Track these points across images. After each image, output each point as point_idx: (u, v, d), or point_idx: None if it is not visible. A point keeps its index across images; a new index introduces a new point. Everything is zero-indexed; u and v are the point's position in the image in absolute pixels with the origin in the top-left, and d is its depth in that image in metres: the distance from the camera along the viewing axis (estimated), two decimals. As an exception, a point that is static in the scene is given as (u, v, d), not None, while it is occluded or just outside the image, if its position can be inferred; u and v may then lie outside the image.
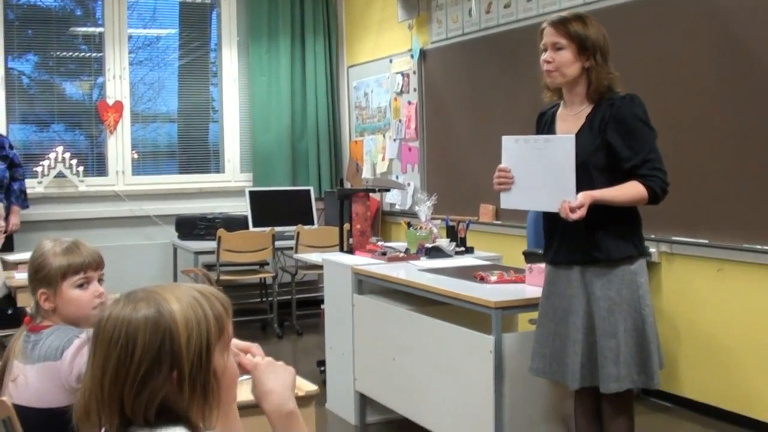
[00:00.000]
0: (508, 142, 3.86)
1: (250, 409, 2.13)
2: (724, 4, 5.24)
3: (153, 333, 1.70)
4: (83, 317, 2.79)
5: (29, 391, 2.68)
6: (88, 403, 1.72)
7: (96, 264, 2.85)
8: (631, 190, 3.61)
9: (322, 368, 5.99)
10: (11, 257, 6.49)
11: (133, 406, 1.69)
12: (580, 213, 3.53)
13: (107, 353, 1.69)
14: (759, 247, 5.08)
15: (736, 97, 5.19)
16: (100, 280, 2.86)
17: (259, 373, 1.96)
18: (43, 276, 2.77)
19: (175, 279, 8.24)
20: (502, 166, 3.85)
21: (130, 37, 9.09)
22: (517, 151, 3.82)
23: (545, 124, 3.94)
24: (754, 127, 5.09)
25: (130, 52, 9.06)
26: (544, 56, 3.74)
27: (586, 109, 3.75)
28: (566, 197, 3.57)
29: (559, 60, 3.70)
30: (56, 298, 2.77)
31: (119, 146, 8.94)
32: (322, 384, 5.77)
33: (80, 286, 2.79)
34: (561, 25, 3.70)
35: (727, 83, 5.24)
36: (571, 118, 3.80)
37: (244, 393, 2.08)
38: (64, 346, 2.67)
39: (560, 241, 3.79)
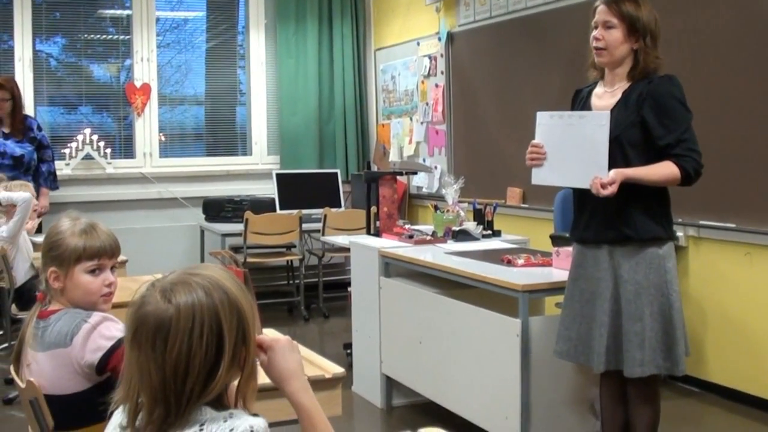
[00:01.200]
0: (542, 117, 3.86)
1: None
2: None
3: (230, 313, 1.73)
4: (89, 303, 2.76)
5: (43, 378, 2.67)
6: (148, 400, 1.72)
7: (112, 251, 2.81)
8: (664, 170, 3.60)
9: (349, 351, 6.00)
10: (39, 239, 6.52)
11: (219, 388, 1.72)
12: (612, 189, 3.52)
13: (190, 345, 1.68)
14: (788, 231, 5.06)
15: (764, 81, 5.15)
16: (113, 268, 2.82)
17: (280, 354, 1.95)
18: (56, 255, 2.73)
19: (203, 261, 8.27)
20: (535, 141, 3.85)
21: (157, 19, 9.10)
22: (551, 127, 3.82)
23: (581, 101, 3.94)
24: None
25: (157, 35, 9.09)
26: (595, 33, 3.73)
27: (624, 85, 3.74)
28: (598, 174, 3.57)
29: (609, 39, 3.69)
30: (66, 280, 2.74)
31: (147, 128, 8.98)
32: (349, 367, 5.79)
33: (92, 272, 2.76)
34: (614, 4, 3.68)
35: (758, 66, 5.19)
36: (607, 96, 3.79)
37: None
38: (72, 332, 2.64)
39: (589, 218, 3.78)
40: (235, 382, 1.82)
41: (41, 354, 2.70)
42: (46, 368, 2.68)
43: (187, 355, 1.68)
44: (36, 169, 7.72)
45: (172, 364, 1.68)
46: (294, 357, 1.97)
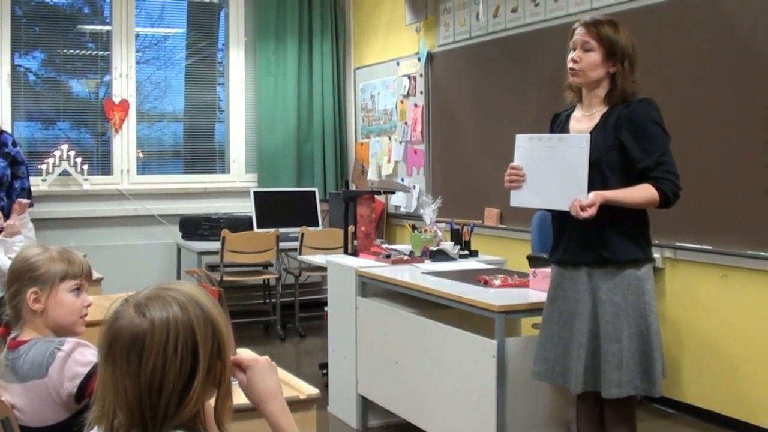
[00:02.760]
0: (521, 140, 3.86)
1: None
2: (733, 8, 5.23)
3: (205, 328, 1.72)
4: (70, 324, 2.73)
5: (21, 410, 2.61)
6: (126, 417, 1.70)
7: (88, 273, 2.82)
8: (642, 193, 3.61)
9: (325, 371, 5.98)
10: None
11: (195, 405, 1.70)
12: (591, 212, 3.52)
13: (165, 359, 1.67)
14: (763, 253, 5.07)
15: (742, 104, 5.18)
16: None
17: (259, 374, 1.94)
18: (39, 275, 2.69)
19: (179, 279, 8.23)
20: (514, 164, 3.84)
21: (137, 35, 9.08)
22: (529, 149, 3.82)
23: (559, 125, 3.95)
24: (760, 134, 5.07)
25: (137, 51, 9.06)
26: (572, 55, 3.74)
27: (602, 109, 3.75)
28: (578, 196, 3.57)
29: (586, 61, 3.70)
30: (48, 300, 2.70)
31: (124, 145, 8.94)
32: (325, 387, 5.77)
33: (74, 291, 2.74)
34: (593, 26, 3.70)
35: (734, 90, 5.22)
36: (585, 119, 3.80)
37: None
38: (47, 362, 2.59)
39: (568, 240, 3.78)
40: (212, 404, 1.81)
41: (17, 386, 2.63)
42: (23, 400, 2.62)
43: (162, 369, 1.67)
44: (9, 185, 7.64)
45: (147, 379, 1.67)
46: (273, 378, 1.96)
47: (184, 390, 1.68)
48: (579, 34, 3.73)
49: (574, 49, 3.74)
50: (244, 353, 2.04)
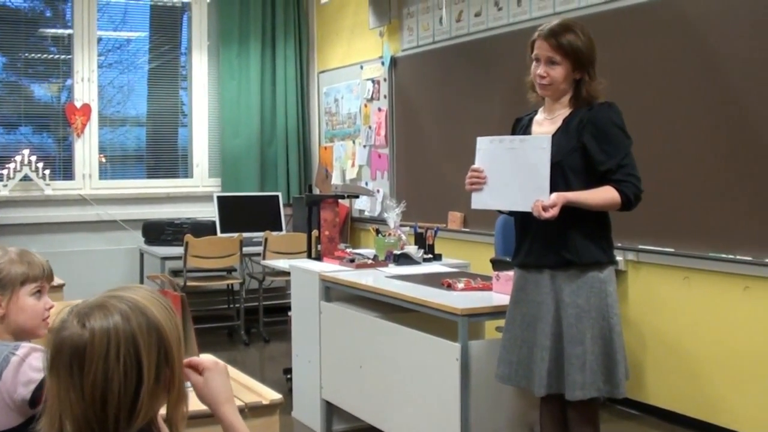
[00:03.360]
0: (482, 142, 3.85)
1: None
2: (695, 12, 5.27)
3: (149, 336, 1.69)
4: (32, 327, 2.68)
5: None
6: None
7: (49, 275, 2.77)
8: (604, 195, 3.62)
9: (289, 376, 5.95)
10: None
11: (146, 414, 1.68)
12: (553, 212, 3.53)
13: (106, 369, 1.64)
14: (724, 255, 5.11)
15: (704, 107, 5.21)
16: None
17: (218, 375, 1.95)
18: None
19: (142, 284, 8.17)
20: (475, 166, 3.83)
21: (99, 39, 9.02)
22: (491, 151, 3.81)
23: (521, 129, 3.94)
24: (722, 137, 5.11)
25: (99, 55, 9.00)
26: (539, 71, 3.71)
27: (565, 112, 3.76)
28: (540, 197, 3.57)
29: (554, 75, 3.68)
30: (9, 305, 2.64)
31: (86, 150, 8.87)
32: (289, 392, 5.75)
33: (35, 294, 2.69)
34: (554, 39, 3.66)
35: (696, 94, 5.26)
36: (548, 123, 3.80)
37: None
38: (1, 367, 2.52)
39: (531, 242, 3.78)
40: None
41: None
42: None
43: (104, 380, 1.64)
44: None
45: (90, 390, 1.64)
46: (228, 381, 1.97)
47: (132, 400, 1.67)
48: (541, 48, 3.70)
49: (537, 60, 3.74)
50: (206, 357, 2.03)
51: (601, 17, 5.82)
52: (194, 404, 1.91)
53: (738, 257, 5.05)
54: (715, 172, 5.16)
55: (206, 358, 1.98)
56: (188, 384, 1.90)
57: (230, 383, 1.98)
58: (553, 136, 3.68)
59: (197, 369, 1.93)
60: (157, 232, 8.40)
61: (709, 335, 5.27)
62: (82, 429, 1.66)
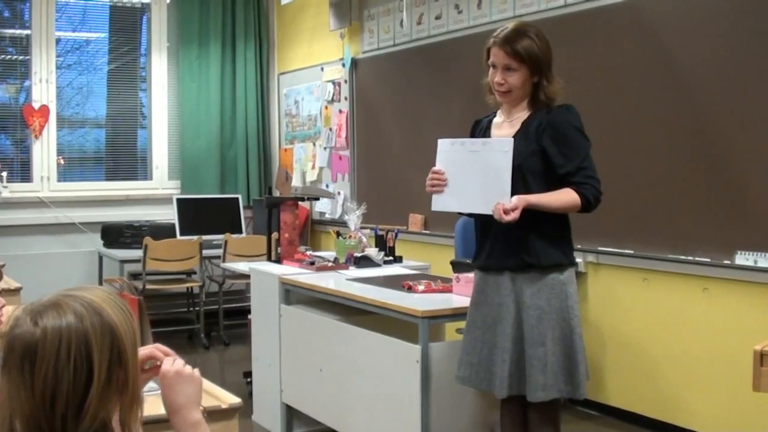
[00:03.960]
0: (443, 144, 3.84)
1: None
2: (653, 16, 5.30)
3: (102, 336, 1.67)
4: None
5: None
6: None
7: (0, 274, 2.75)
8: (564, 197, 3.63)
9: (249, 379, 5.92)
10: None
11: (94, 415, 1.65)
12: (514, 215, 3.53)
13: (57, 368, 1.63)
14: (683, 257, 5.14)
15: (663, 110, 5.25)
16: None
17: (168, 386, 1.94)
18: None
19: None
20: (435, 168, 3.82)
21: (58, 40, 8.93)
22: (452, 153, 3.80)
23: (480, 131, 3.94)
24: (679, 141, 5.15)
25: (58, 56, 8.91)
26: (497, 78, 3.70)
27: (523, 115, 3.76)
28: (501, 199, 3.57)
29: (512, 81, 3.68)
30: None
31: (45, 152, 8.78)
32: (249, 396, 5.72)
33: None
34: (509, 46, 3.65)
35: (655, 97, 5.29)
36: (507, 125, 3.80)
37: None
38: None
39: (492, 244, 3.78)
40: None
41: None
42: None
43: (54, 379, 1.63)
44: None
45: (40, 389, 1.63)
46: (181, 390, 1.95)
47: (81, 400, 1.65)
48: (497, 56, 3.69)
49: (494, 67, 3.73)
50: (159, 352, 2.01)
51: (560, 20, 5.84)
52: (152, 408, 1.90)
53: (697, 259, 5.09)
54: (674, 174, 5.19)
55: (164, 367, 1.96)
56: (150, 388, 1.89)
57: (180, 390, 1.95)
58: (513, 138, 3.68)
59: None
60: (115, 234, 8.34)
61: (669, 336, 5.31)
62: (31, 428, 1.65)
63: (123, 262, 7.96)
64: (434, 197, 3.84)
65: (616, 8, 5.53)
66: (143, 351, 1.96)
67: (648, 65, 5.33)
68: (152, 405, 2.06)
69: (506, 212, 3.54)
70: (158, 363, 1.97)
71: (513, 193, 3.58)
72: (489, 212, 3.61)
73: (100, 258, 8.46)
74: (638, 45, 5.39)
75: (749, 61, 4.77)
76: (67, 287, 1.78)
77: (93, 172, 9.39)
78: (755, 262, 4.77)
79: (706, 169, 5.02)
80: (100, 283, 8.17)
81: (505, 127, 3.81)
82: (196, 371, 1.99)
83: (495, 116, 3.91)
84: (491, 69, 3.74)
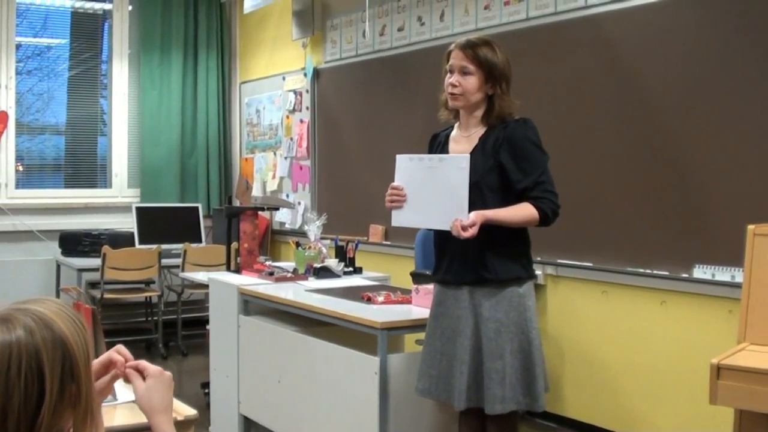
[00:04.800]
0: (402, 160, 3.85)
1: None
2: (612, 31, 5.33)
3: (53, 351, 1.64)
4: None
5: None
6: None
7: None
8: (522, 211, 3.64)
9: (207, 390, 5.88)
10: None
11: (47, 430, 1.63)
12: (472, 231, 3.53)
13: (7, 384, 1.59)
14: (641, 270, 5.17)
15: (620, 125, 5.28)
16: None
17: (156, 387, 1.97)
18: None
19: (57, 296, 8.03)
20: (394, 184, 3.83)
21: (18, 45, 8.84)
22: (410, 169, 3.81)
23: (438, 146, 3.95)
24: (638, 155, 5.18)
25: (18, 61, 8.82)
26: (451, 79, 3.74)
27: (480, 130, 3.77)
28: (458, 216, 3.57)
29: (466, 85, 3.71)
30: None
31: (3, 158, 8.68)
32: (206, 407, 5.68)
33: None
34: (470, 49, 3.70)
35: (613, 111, 5.32)
36: (464, 140, 3.81)
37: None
38: None
39: (450, 260, 3.79)
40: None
41: None
42: None
43: (5, 395, 1.59)
44: None
45: None
46: (171, 393, 1.99)
47: (33, 416, 1.62)
48: (456, 57, 3.73)
49: (452, 72, 3.75)
50: (151, 365, 2.01)
51: (522, 34, 5.87)
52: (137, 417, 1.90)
53: (655, 272, 5.12)
54: (633, 188, 5.22)
55: (153, 366, 1.99)
56: (110, 399, 1.88)
57: (172, 396, 1.98)
58: (470, 154, 3.69)
59: (142, 374, 1.96)
60: (74, 243, 8.27)
61: (627, 349, 5.33)
62: None
63: (81, 270, 7.89)
64: (394, 213, 3.85)
65: (576, 23, 5.56)
66: (103, 358, 1.96)
67: (607, 79, 5.36)
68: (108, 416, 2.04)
69: (464, 228, 3.54)
70: (116, 371, 1.97)
71: (471, 209, 3.59)
72: (447, 228, 3.61)
73: (58, 266, 8.37)
74: (598, 59, 5.42)
75: (707, 76, 4.81)
76: (19, 299, 1.75)
77: (52, 179, 9.30)
78: (713, 275, 4.80)
79: (664, 184, 5.05)
80: (58, 292, 8.10)
81: (462, 142, 3.82)
82: (167, 376, 2.02)
83: (452, 130, 3.92)
84: (448, 74, 3.77)
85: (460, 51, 3.73)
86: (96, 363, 1.95)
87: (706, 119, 4.81)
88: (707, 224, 4.84)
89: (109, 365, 2.00)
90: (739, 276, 4.46)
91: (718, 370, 3.35)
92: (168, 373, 2.00)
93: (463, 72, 3.71)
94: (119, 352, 2.00)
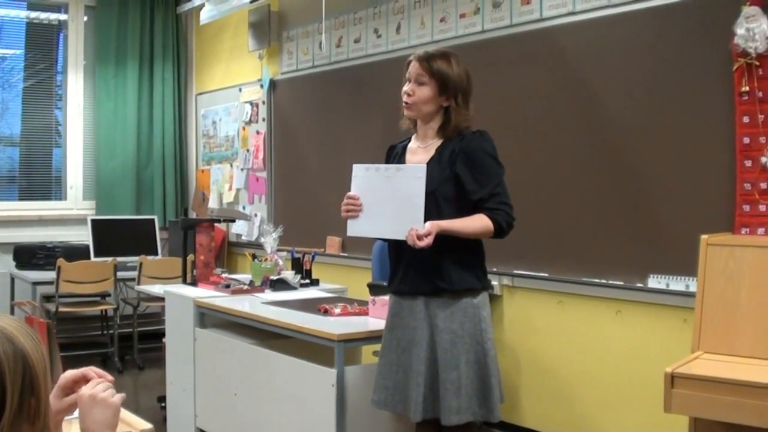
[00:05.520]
0: (358, 170, 3.86)
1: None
2: (566, 44, 5.37)
3: (14, 364, 1.65)
4: None
5: None
6: None
7: None
8: (477, 222, 3.65)
9: (163, 404, 5.84)
10: None
11: None
12: (428, 241, 3.54)
13: None
14: (597, 280, 5.20)
15: (575, 136, 5.31)
16: None
17: (81, 410, 1.94)
18: None
19: (11, 310, 7.94)
20: (350, 193, 3.84)
21: (-28, 56, 8.78)
22: (367, 179, 3.82)
23: (395, 156, 3.97)
24: (592, 166, 5.21)
25: (-29, 72, 8.76)
26: (406, 88, 3.78)
27: (437, 142, 3.80)
28: (414, 225, 3.59)
29: (419, 95, 3.74)
30: None
31: (-45, 171, 8.60)
32: (163, 420, 5.64)
33: None
34: (426, 61, 3.75)
35: (567, 122, 5.36)
36: (421, 151, 3.83)
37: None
38: None
39: (405, 270, 3.80)
40: None
41: None
42: None
43: None
44: None
45: None
46: (91, 414, 1.95)
47: (14, 421, 1.62)
48: (413, 68, 3.78)
49: (409, 81, 3.78)
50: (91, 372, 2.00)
51: (477, 46, 5.89)
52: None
53: (610, 282, 5.15)
54: (588, 199, 5.25)
55: (91, 392, 1.96)
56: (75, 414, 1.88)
57: (90, 414, 1.94)
58: (427, 165, 3.71)
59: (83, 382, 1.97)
60: (28, 256, 8.18)
61: (583, 358, 5.35)
62: None
63: (36, 284, 7.81)
64: (349, 222, 3.85)
65: (531, 35, 5.60)
66: (77, 372, 1.95)
67: (562, 91, 5.40)
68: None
69: (420, 238, 3.55)
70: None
71: (426, 219, 3.60)
72: (403, 238, 3.62)
73: (12, 280, 8.29)
74: (553, 71, 5.45)
75: (660, 87, 4.85)
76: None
77: (6, 191, 9.20)
78: (667, 285, 4.84)
79: (619, 195, 5.09)
80: (12, 306, 8.01)
81: (419, 153, 3.84)
82: (117, 397, 1.99)
83: (410, 142, 3.94)
84: (406, 83, 3.79)
85: (417, 62, 3.77)
86: (66, 378, 1.95)
87: (659, 130, 4.85)
88: (661, 234, 4.88)
89: (80, 381, 1.99)
90: (693, 285, 4.49)
91: (673, 379, 3.39)
92: (112, 400, 1.97)
93: (419, 82, 3.75)
94: (95, 372, 1.99)
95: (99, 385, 1.97)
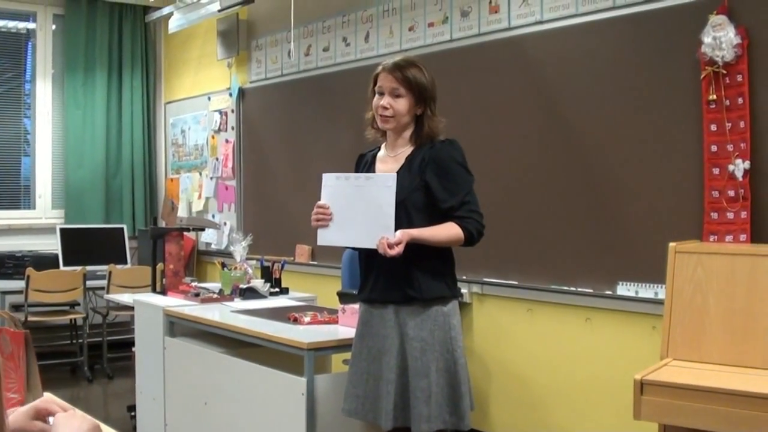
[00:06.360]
0: (328, 179, 3.86)
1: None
2: (535, 53, 5.40)
3: None
4: None
5: None
6: None
7: None
8: (447, 231, 3.67)
9: (133, 413, 5.82)
10: None
11: None
12: (398, 249, 3.55)
13: None
14: (566, 288, 5.23)
15: (543, 144, 5.34)
16: None
17: (56, 422, 1.88)
18: None
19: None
20: (321, 202, 3.84)
21: (-62, 64, 8.71)
22: (337, 188, 3.82)
23: (365, 165, 3.97)
24: (561, 174, 5.24)
25: (-62, 80, 8.69)
26: (383, 102, 3.75)
27: (407, 150, 3.80)
28: (385, 234, 3.59)
29: (397, 107, 3.73)
30: None
31: None
32: (133, 430, 5.62)
33: None
34: (399, 72, 3.72)
35: (536, 130, 5.38)
36: (391, 160, 3.84)
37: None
38: None
39: (376, 278, 3.81)
40: None
41: None
42: None
43: None
44: None
45: None
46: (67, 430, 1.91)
47: None
48: (386, 80, 3.75)
49: (381, 94, 3.77)
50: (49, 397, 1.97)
51: (445, 55, 5.92)
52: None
53: (580, 290, 5.17)
54: (557, 207, 5.28)
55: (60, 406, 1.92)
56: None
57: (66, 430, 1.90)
58: (397, 173, 3.71)
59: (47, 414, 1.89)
60: (-4, 265, 8.14)
61: (552, 366, 5.38)
62: None
63: (4, 293, 7.77)
64: (319, 232, 3.85)
65: (499, 44, 5.62)
66: (39, 403, 1.92)
67: (529, 99, 5.43)
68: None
69: (390, 246, 3.56)
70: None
71: (397, 227, 3.61)
72: (373, 246, 3.63)
73: (-20, 289, 8.23)
74: (520, 79, 5.48)
75: (626, 95, 4.89)
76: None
77: (-27, 200, 9.15)
78: (636, 292, 4.87)
79: (588, 202, 5.12)
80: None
81: (389, 162, 3.84)
82: (89, 419, 1.94)
83: (379, 151, 3.94)
84: (377, 96, 3.79)
85: (389, 74, 3.74)
86: (47, 403, 1.92)
87: (628, 138, 4.89)
88: (630, 242, 4.91)
89: (43, 412, 1.95)
90: (661, 293, 4.53)
91: (642, 386, 3.41)
92: (91, 419, 1.91)
93: (395, 94, 3.73)
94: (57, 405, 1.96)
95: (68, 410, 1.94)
